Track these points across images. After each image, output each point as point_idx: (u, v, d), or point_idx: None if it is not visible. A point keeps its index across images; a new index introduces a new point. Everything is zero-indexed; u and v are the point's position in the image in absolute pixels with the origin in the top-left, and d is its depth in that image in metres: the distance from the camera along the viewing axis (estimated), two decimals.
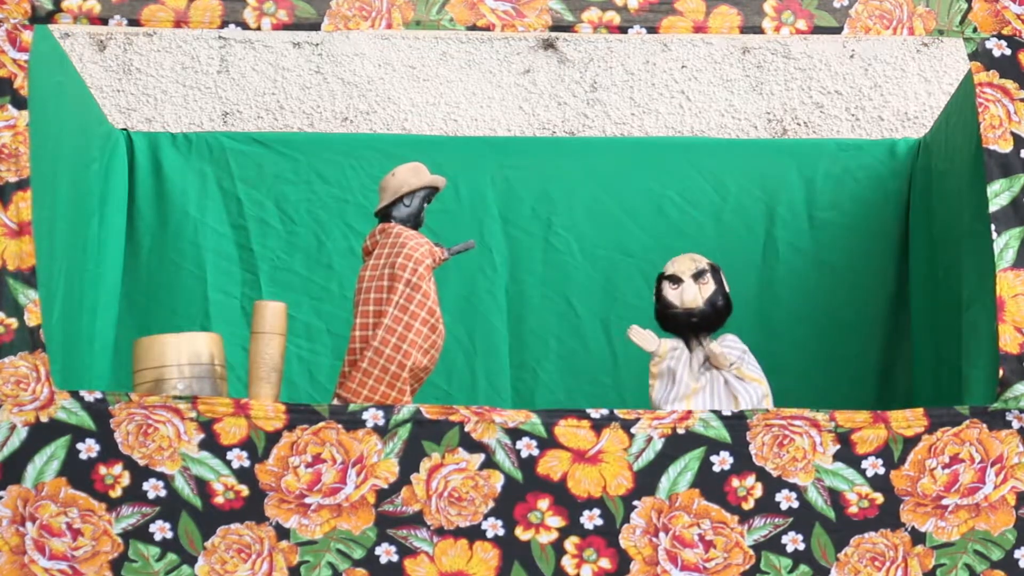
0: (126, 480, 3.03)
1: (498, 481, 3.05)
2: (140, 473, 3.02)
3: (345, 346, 3.54)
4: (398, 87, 4.63)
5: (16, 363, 3.02)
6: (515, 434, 3.05)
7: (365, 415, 3.04)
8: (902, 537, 3.06)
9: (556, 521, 3.06)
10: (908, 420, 3.05)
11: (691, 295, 3.45)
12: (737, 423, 3.05)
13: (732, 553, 3.05)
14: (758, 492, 3.05)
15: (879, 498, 3.05)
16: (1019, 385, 3.04)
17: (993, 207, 3.12)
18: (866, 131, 4.59)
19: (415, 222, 3.58)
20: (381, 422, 3.04)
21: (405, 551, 3.05)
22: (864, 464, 3.05)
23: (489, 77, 4.64)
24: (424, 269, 3.45)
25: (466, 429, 3.05)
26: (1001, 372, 3.05)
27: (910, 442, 3.05)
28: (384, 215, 3.59)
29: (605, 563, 3.06)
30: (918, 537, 3.06)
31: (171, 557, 3.03)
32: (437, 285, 3.51)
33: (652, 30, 3.18)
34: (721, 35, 3.49)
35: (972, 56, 3.18)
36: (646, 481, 3.05)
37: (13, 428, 3.01)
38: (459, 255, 3.63)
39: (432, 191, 3.62)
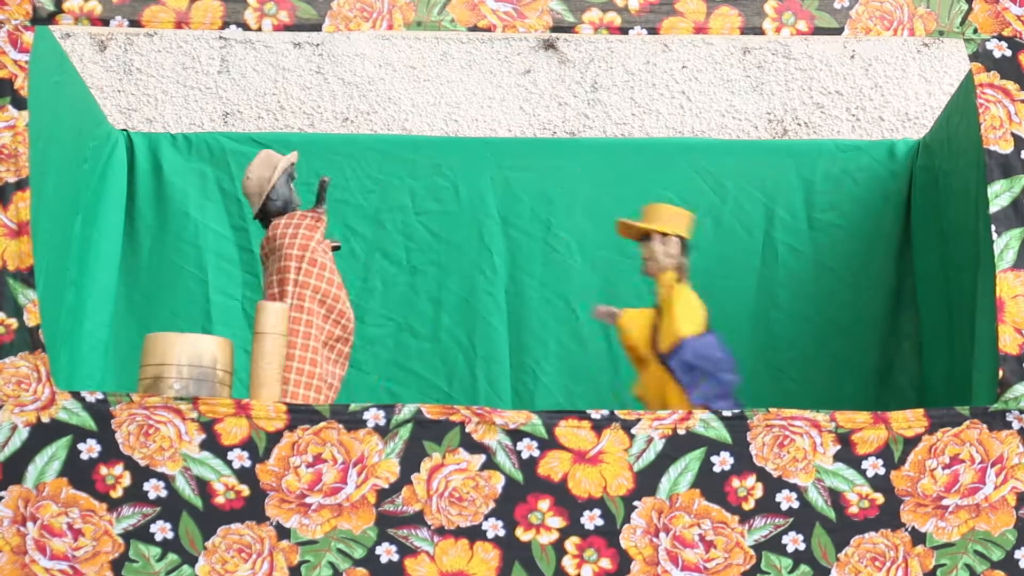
0: (127, 480, 3.02)
1: (499, 482, 3.05)
2: (141, 473, 3.02)
3: None
4: (399, 87, 4.63)
5: (17, 363, 3.01)
6: (516, 435, 3.05)
7: (366, 415, 3.04)
8: (902, 537, 3.05)
9: (557, 521, 3.06)
10: (908, 421, 3.05)
11: None
12: (737, 424, 3.05)
13: (733, 553, 3.05)
14: (758, 492, 3.05)
15: (879, 498, 3.05)
16: (1019, 385, 3.04)
17: (993, 208, 3.12)
18: (867, 131, 4.58)
19: (291, 206, 3.60)
20: (382, 422, 3.04)
21: (406, 551, 3.05)
22: (864, 464, 3.05)
23: (489, 77, 4.64)
24: (308, 260, 3.48)
25: (467, 430, 3.05)
26: (1001, 373, 3.05)
27: (910, 443, 3.05)
28: (262, 217, 3.61)
29: (606, 563, 3.06)
30: (918, 537, 3.06)
31: (172, 557, 3.03)
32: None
33: (653, 31, 3.18)
34: (722, 36, 3.49)
35: (973, 57, 3.18)
36: (646, 481, 3.05)
37: (14, 428, 3.01)
38: (326, 192, 3.63)
39: (290, 170, 3.63)
